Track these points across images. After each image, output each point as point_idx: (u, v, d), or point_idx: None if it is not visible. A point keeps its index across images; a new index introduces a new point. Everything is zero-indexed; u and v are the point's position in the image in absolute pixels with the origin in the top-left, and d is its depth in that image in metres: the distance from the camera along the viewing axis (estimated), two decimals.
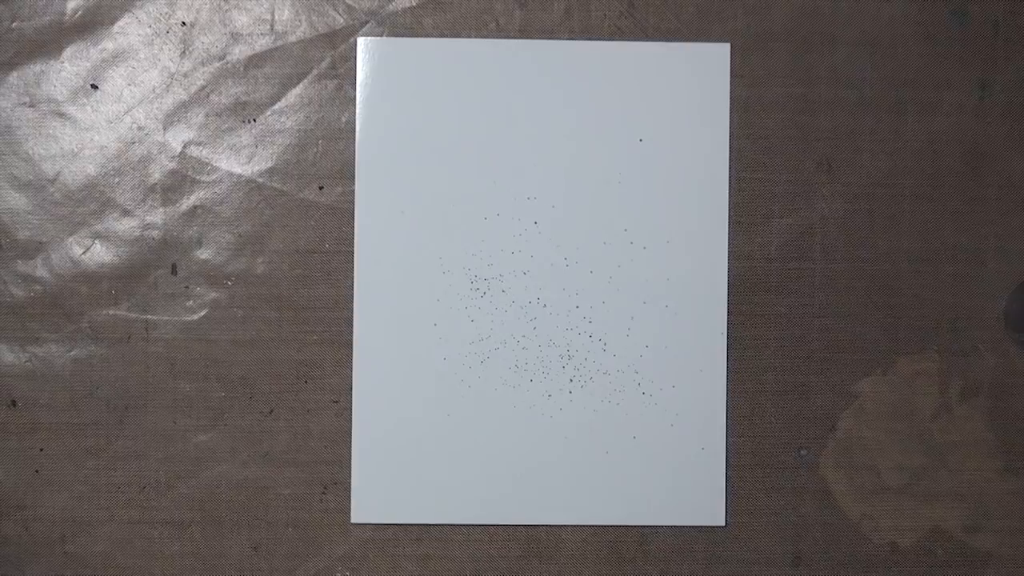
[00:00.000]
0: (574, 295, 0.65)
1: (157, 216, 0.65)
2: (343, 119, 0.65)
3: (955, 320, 0.66)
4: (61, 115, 0.65)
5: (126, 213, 0.65)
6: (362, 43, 0.65)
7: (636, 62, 0.65)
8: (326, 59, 0.65)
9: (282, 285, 0.66)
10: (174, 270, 0.65)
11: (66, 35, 0.65)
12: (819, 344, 0.66)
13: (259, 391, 0.65)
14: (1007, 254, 0.66)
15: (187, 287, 0.65)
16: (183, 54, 0.65)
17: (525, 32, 0.66)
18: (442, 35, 0.65)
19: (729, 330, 0.66)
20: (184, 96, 0.65)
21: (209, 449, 0.65)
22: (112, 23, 0.65)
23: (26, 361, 0.65)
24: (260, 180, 0.65)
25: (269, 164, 0.65)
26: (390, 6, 0.65)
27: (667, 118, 0.65)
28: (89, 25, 0.65)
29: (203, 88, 0.65)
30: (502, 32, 0.66)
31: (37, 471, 0.65)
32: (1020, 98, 0.66)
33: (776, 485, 0.66)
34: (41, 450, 0.65)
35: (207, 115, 0.65)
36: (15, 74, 0.65)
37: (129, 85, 0.65)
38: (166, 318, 0.65)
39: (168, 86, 0.65)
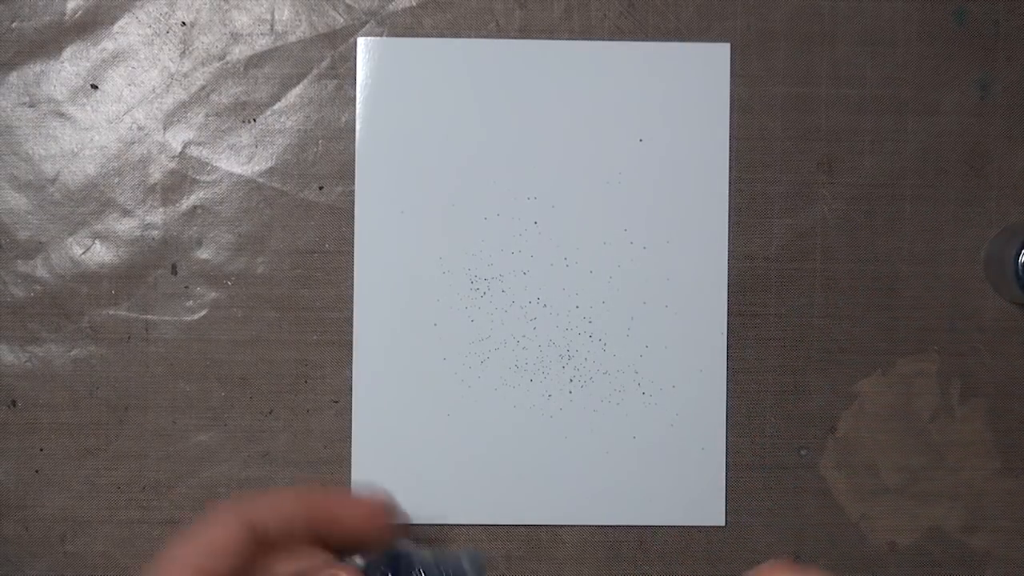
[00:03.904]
0: (574, 295, 0.65)
1: (157, 216, 0.65)
2: (343, 119, 0.65)
3: (955, 320, 0.66)
4: (61, 115, 0.65)
5: (126, 213, 0.65)
6: (362, 43, 0.65)
7: (636, 62, 0.65)
8: (326, 59, 0.65)
9: (282, 285, 0.65)
10: (174, 270, 0.65)
11: (66, 35, 0.65)
12: (819, 344, 0.66)
13: (259, 391, 0.65)
14: None
15: (187, 287, 0.65)
16: (183, 54, 0.65)
17: (525, 32, 0.66)
18: (442, 35, 0.65)
19: (729, 330, 0.66)
20: (184, 96, 0.65)
21: (209, 449, 0.65)
22: (112, 23, 0.65)
23: (26, 361, 0.65)
24: (260, 180, 0.65)
25: (269, 164, 0.65)
26: (390, 6, 0.65)
27: (667, 118, 0.65)
28: (89, 25, 0.65)
29: (203, 88, 0.65)
30: (502, 32, 0.65)
31: (37, 471, 0.65)
32: (1020, 98, 0.66)
33: (776, 485, 0.66)
34: (41, 450, 0.65)
35: (207, 115, 0.65)
36: (15, 74, 0.65)
37: (129, 85, 0.65)
38: (166, 318, 0.65)
39: (168, 86, 0.65)
